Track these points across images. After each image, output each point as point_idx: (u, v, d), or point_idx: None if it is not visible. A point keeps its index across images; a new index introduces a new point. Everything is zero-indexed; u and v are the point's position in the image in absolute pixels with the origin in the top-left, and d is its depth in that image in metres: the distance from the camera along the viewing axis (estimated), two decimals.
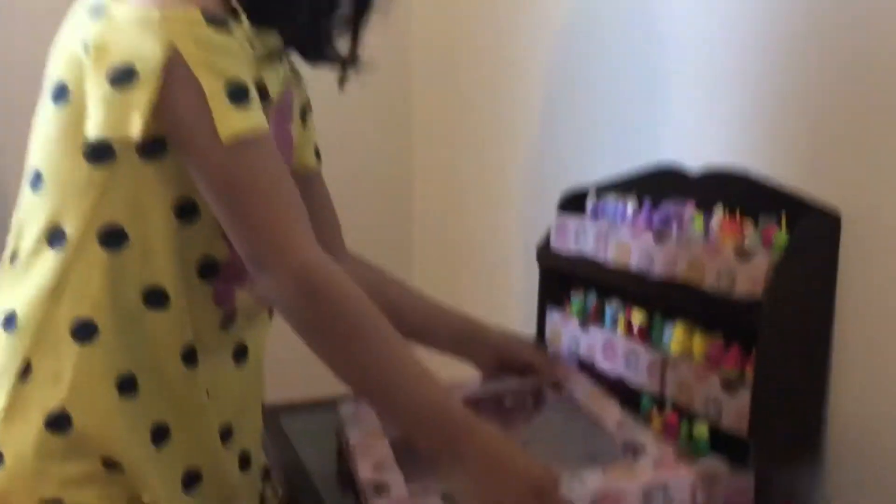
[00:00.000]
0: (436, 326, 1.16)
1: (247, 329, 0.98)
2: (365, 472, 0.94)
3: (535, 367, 1.16)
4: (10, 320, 0.88)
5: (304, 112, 1.09)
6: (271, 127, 0.86)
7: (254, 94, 0.82)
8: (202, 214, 0.87)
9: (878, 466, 0.97)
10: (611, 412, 1.06)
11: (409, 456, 0.96)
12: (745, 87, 1.16)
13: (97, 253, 0.86)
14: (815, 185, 1.03)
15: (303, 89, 1.08)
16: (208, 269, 0.90)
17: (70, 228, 0.86)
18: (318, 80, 1.06)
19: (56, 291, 0.86)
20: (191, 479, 0.94)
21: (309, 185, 1.07)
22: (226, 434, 0.98)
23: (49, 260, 0.86)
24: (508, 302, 1.79)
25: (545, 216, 1.42)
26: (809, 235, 0.99)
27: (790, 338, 1.00)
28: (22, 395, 0.86)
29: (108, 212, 0.85)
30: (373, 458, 0.97)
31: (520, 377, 1.17)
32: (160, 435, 0.91)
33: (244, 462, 1.03)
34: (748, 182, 1.12)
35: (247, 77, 0.82)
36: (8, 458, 0.86)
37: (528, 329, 1.46)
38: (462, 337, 1.17)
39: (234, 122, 0.80)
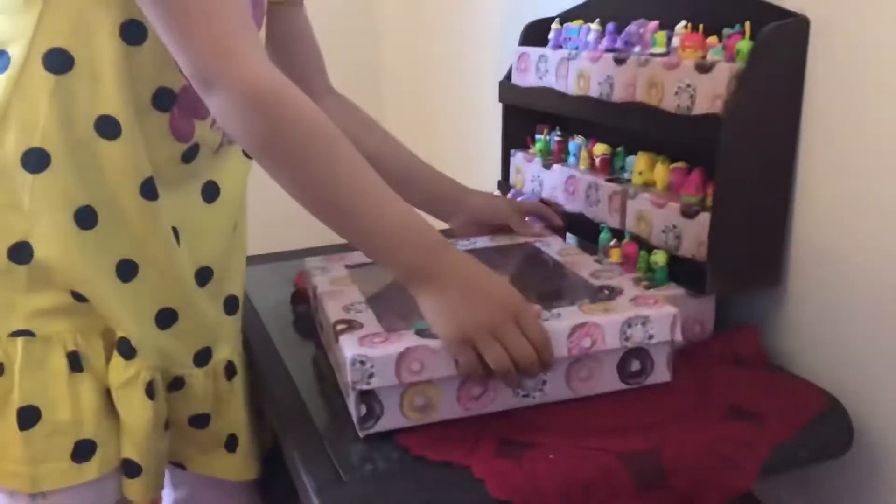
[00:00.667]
0: (414, 181, 1.13)
1: (215, 165, 0.93)
2: (335, 313, 0.90)
3: (510, 229, 1.14)
4: None
5: None
6: None
7: None
8: (150, 38, 0.81)
9: (840, 289, 0.92)
10: (585, 264, 1.01)
11: (379, 303, 0.92)
12: None
13: (43, 77, 0.80)
14: None
15: None
16: (162, 99, 0.85)
17: (14, 49, 0.81)
18: None
19: (3, 119, 0.81)
20: (165, 317, 0.92)
21: (286, 16, 1.02)
22: (205, 275, 0.95)
23: None
24: (477, 146, 1.72)
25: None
26: (775, 41, 0.90)
27: (752, 155, 0.92)
28: None
29: (51, 34, 0.80)
30: (342, 301, 0.93)
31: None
32: (126, 271, 0.88)
33: (231, 306, 1.00)
34: None
35: None
36: None
37: (494, 173, 1.40)
38: (439, 195, 1.15)
39: None
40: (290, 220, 1.19)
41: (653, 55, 1.03)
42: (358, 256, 1.08)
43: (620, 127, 1.10)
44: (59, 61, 0.80)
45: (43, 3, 0.79)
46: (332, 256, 1.11)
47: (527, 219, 1.15)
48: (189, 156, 0.89)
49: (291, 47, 1.00)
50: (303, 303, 1.17)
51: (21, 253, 0.84)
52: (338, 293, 0.96)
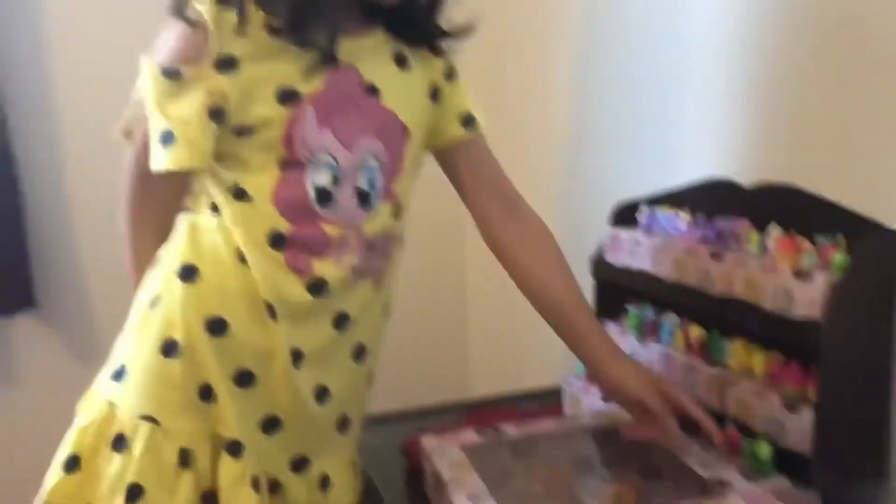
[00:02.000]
0: (572, 320, 1.16)
1: (346, 296, 1.06)
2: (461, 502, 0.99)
3: (647, 410, 1.11)
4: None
5: (436, 90, 1.11)
6: (317, 115, 0.98)
7: (181, 135, 0.96)
8: (255, 199, 1.00)
9: None
10: (689, 449, 1.07)
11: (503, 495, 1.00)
12: (798, 101, 1.16)
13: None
14: (873, 202, 1.03)
15: (421, 67, 1.09)
16: (276, 241, 1.01)
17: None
18: None
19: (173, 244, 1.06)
20: (270, 423, 1.04)
21: (463, 153, 1.15)
22: (323, 394, 1.06)
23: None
24: None
25: (589, 228, 1.44)
26: (870, 255, 0.99)
27: (851, 358, 1.00)
28: (148, 319, 1.04)
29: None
30: (464, 489, 1.02)
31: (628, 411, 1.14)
32: (244, 379, 1.02)
33: (343, 426, 1.11)
34: (802, 197, 1.12)
35: (188, 115, 0.96)
36: (130, 373, 1.04)
37: None
38: (586, 350, 1.16)
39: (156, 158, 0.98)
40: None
41: (748, 255, 1.12)
42: (470, 436, 1.16)
43: (717, 314, 1.18)
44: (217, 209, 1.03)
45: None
46: (446, 434, 1.19)
47: None
48: (315, 289, 1.02)
49: (476, 179, 1.17)
50: (415, 472, 1.24)
51: (170, 350, 1.01)
52: (458, 481, 1.04)
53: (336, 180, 1.01)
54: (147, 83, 0.97)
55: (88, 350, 1.99)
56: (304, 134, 0.98)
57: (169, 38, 0.98)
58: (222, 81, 0.95)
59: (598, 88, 1.63)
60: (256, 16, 0.96)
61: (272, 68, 0.97)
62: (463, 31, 1.09)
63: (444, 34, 1.08)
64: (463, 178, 1.17)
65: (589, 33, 1.65)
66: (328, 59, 0.97)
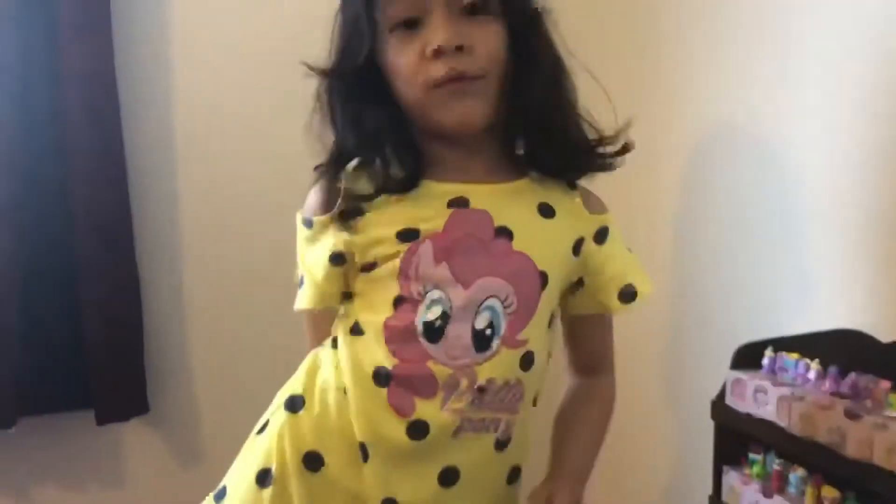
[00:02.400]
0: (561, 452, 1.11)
1: (454, 450, 1.00)
2: None
3: None
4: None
5: (580, 244, 1.07)
6: (434, 251, 0.99)
7: (308, 278, 1.06)
8: (367, 333, 1.03)
9: None
10: None
11: None
12: None
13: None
14: None
15: (570, 218, 1.06)
16: (380, 376, 1.00)
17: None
18: None
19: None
20: None
21: (598, 322, 1.14)
22: None
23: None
24: (682, 457, 1.74)
25: (709, 369, 1.40)
26: None
27: None
28: (253, 445, 1.09)
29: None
30: None
31: None
32: None
33: None
34: None
35: (316, 260, 1.04)
36: (228, 497, 1.08)
37: (703, 484, 1.43)
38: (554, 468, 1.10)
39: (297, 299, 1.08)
40: None
41: (890, 419, 1.07)
42: None
43: (853, 478, 1.12)
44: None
45: None
46: None
47: None
48: (416, 432, 0.99)
49: (580, 351, 1.17)
50: None
51: (265, 479, 1.04)
52: None
53: (446, 316, 0.98)
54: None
55: (195, 456, 2.02)
56: (417, 267, 0.99)
57: (312, 192, 1.05)
58: (348, 228, 1.01)
59: (716, 227, 1.61)
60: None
61: (395, 212, 1.00)
62: (619, 151, 1.04)
63: (588, 163, 1.05)
64: (578, 344, 1.16)
65: (702, 168, 1.64)
66: (405, 186, 1.00)
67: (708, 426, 1.39)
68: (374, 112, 1.01)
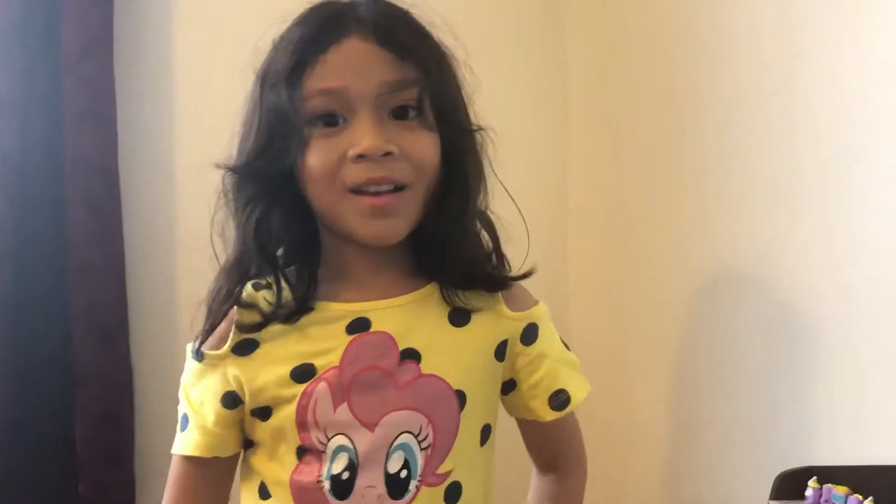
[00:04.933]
0: None
1: None
2: None
3: None
4: None
5: (504, 347, 0.96)
6: (332, 393, 0.89)
7: (195, 420, 0.94)
8: (272, 494, 0.93)
9: None
10: None
11: None
12: None
13: None
14: None
15: (487, 322, 0.95)
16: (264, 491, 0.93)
17: None
18: None
19: None
20: None
21: (549, 430, 1.01)
22: None
23: None
24: None
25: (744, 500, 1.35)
26: None
27: None
28: None
29: None
30: None
31: None
32: None
33: None
34: None
35: (206, 400, 0.93)
36: None
37: None
38: None
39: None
40: None
41: None
42: None
43: None
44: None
45: None
46: None
47: None
48: None
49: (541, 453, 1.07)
50: None
51: None
52: None
53: (353, 466, 0.88)
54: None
55: None
56: (315, 413, 0.89)
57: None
58: (238, 364, 0.91)
59: (748, 340, 1.57)
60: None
61: (289, 344, 0.91)
62: (519, 276, 0.96)
63: (489, 276, 0.95)
64: (534, 447, 1.05)
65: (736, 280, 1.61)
66: (295, 314, 0.90)
67: None
68: (283, 219, 0.91)
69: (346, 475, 0.88)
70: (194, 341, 0.95)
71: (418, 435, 0.89)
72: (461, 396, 0.91)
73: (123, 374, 1.76)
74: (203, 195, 1.82)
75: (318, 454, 0.89)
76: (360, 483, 0.88)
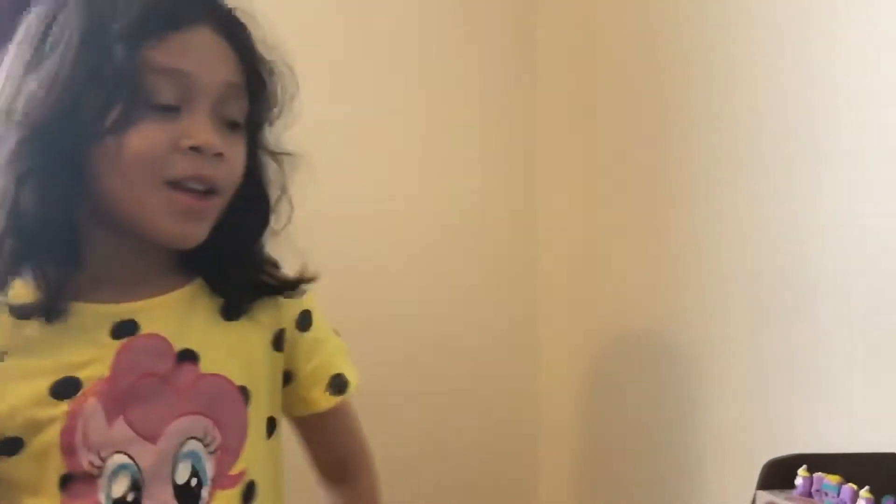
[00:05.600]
0: None
1: None
2: None
3: None
4: None
5: (280, 337, 0.91)
6: (104, 407, 0.78)
7: None
8: None
9: None
10: None
11: None
12: None
13: None
14: None
15: (261, 313, 0.90)
16: None
17: None
18: None
19: None
20: None
21: (330, 421, 0.96)
22: None
23: None
24: None
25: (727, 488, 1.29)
26: None
27: None
28: None
29: None
30: None
31: None
32: None
33: None
34: None
35: None
36: None
37: None
38: None
39: None
40: None
41: None
42: None
43: None
44: None
45: None
46: None
47: None
48: None
49: (322, 454, 1.00)
50: None
51: None
52: None
53: (137, 485, 0.79)
54: None
55: None
56: (86, 434, 0.78)
57: None
58: None
59: (731, 324, 1.52)
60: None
61: (42, 356, 0.79)
62: (301, 280, 0.90)
63: (272, 286, 0.90)
64: (315, 449, 0.98)
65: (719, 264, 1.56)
66: (48, 314, 0.78)
67: None
68: (50, 200, 0.77)
69: (130, 496, 0.79)
70: None
71: (205, 439, 0.83)
72: (245, 393, 0.86)
73: None
74: None
75: (92, 480, 0.78)
76: (147, 502, 0.80)
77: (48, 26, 0.79)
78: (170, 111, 0.78)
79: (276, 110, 0.88)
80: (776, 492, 1.23)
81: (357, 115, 1.74)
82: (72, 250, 0.80)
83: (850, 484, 1.15)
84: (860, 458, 1.18)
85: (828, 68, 1.35)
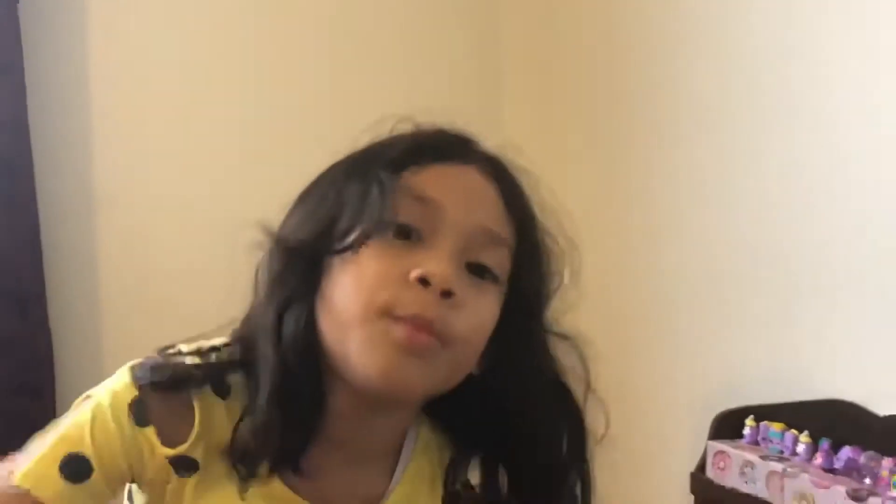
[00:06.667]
0: None
1: None
2: None
3: None
4: None
5: None
6: None
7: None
8: None
9: None
10: None
11: None
12: None
13: None
14: None
15: None
16: None
17: None
18: None
19: None
20: None
21: None
22: None
23: None
24: None
25: (682, 438, 1.35)
26: None
27: None
28: None
29: None
30: None
31: None
32: None
33: None
34: None
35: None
36: None
37: None
38: None
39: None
40: None
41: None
42: None
43: None
44: None
45: None
46: None
47: None
48: None
49: None
50: None
51: None
52: None
53: None
54: None
55: None
56: None
57: (122, 387, 0.70)
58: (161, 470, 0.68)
59: (695, 283, 1.57)
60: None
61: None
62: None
63: None
64: None
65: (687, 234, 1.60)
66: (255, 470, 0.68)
67: (687, 501, 1.34)
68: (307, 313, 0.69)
69: None
70: (144, 371, 0.70)
71: None
72: None
73: (41, 342, 1.67)
74: (122, 148, 1.79)
75: None
76: None
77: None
78: (407, 238, 0.69)
79: (552, 283, 0.75)
80: (726, 441, 1.29)
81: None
82: (312, 400, 0.70)
83: (792, 430, 1.21)
84: (805, 406, 1.24)
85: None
